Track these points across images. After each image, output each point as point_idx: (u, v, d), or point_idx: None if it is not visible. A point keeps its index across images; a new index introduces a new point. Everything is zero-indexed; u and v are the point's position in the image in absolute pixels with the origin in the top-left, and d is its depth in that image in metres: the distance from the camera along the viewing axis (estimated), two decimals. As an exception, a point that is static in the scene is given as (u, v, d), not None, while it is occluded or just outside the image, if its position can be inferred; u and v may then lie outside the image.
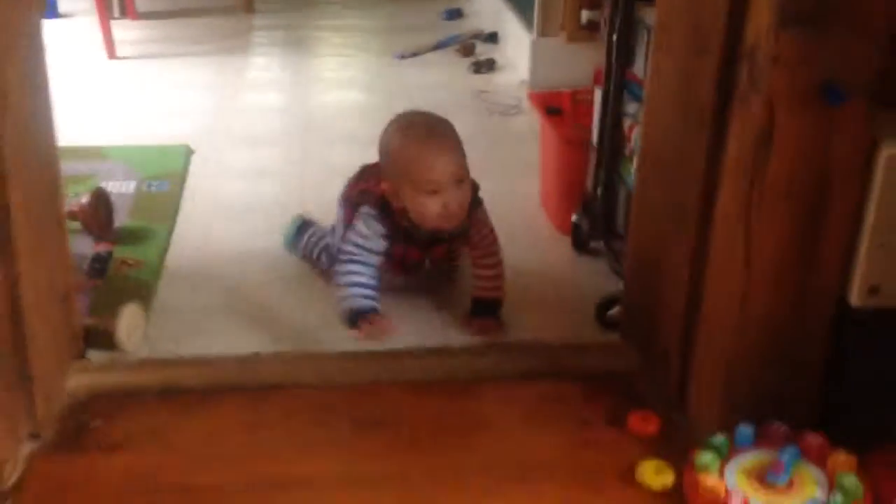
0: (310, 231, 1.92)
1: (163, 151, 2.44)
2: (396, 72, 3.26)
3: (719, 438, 1.34)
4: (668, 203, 1.45)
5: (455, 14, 3.84)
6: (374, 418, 1.44)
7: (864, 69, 1.18)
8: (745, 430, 1.34)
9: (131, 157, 2.36)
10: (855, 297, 1.32)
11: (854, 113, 1.20)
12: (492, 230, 1.75)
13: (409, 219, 1.66)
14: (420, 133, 1.65)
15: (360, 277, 1.67)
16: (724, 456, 1.32)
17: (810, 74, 1.18)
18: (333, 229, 1.86)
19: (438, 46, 3.44)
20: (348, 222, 1.73)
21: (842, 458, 1.30)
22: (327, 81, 3.20)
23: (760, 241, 1.28)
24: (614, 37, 1.74)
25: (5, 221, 1.29)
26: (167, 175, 2.30)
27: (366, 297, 1.67)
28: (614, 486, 1.33)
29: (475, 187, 1.71)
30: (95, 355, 1.58)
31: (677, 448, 1.36)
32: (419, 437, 1.41)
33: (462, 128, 1.71)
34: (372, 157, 1.75)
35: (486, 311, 1.73)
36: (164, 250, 1.98)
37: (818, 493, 1.27)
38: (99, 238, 1.97)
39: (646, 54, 1.65)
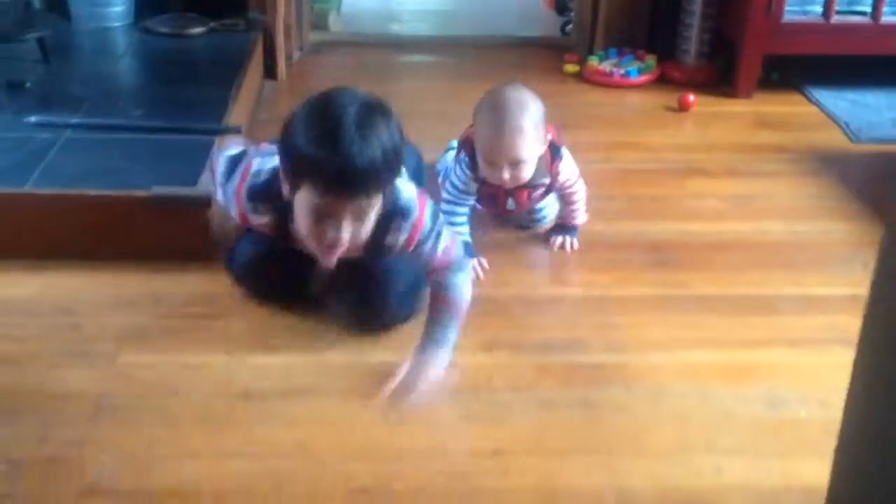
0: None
1: None
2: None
3: (600, 53, 3.08)
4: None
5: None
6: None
7: None
8: (612, 50, 3.09)
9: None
10: (660, -11, 3.06)
11: None
12: (569, 178, 1.98)
13: None
14: (495, 118, 1.84)
15: (458, 218, 1.97)
16: (603, 60, 3.06)
17: None
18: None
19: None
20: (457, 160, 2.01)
21: (648, 57, 3.04)
22: None
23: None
24: None
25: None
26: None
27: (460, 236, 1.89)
28: (555, 77, 3.08)
29: (555, 147, 1.93)
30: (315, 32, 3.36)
31: (583, 61, 3.10)
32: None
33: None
34: None
35: (563, 231, 2.07)
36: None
37: (635, 64, 3.00)
38: None
39: None
